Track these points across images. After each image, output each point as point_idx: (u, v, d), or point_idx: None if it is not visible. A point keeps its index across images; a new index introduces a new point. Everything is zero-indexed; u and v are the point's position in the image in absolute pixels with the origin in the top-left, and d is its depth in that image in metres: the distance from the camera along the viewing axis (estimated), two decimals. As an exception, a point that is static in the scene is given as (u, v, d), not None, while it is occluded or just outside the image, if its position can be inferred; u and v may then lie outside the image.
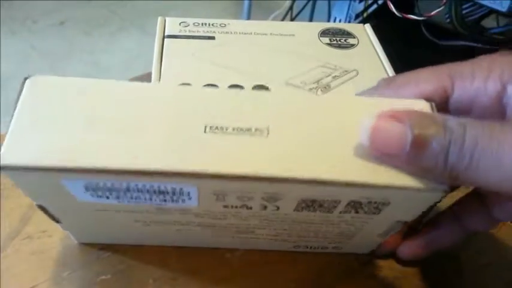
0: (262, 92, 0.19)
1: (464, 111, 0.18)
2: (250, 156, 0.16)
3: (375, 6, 0.58)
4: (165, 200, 0.17)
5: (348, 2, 0.54)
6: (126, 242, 0.24)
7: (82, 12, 1.60)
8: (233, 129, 0.16)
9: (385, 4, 0.46)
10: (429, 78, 0.18)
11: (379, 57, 0.28)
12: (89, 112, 0.16)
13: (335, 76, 0.25)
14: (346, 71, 0.26)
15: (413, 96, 0.18)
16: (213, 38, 0.27)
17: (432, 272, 0.25)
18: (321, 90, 0.24)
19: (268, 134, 0.16)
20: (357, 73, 0.26)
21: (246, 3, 1.18)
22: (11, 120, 0.16)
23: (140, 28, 1.53)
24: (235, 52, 0.26)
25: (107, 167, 0.15)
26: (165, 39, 0.27)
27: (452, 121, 0.15)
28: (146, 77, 0.25)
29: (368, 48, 0.28)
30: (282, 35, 0.28)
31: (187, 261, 0.24)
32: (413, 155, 0.15)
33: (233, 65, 0.25)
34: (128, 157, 0.15)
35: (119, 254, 0.24)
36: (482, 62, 0.17)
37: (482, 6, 0.45)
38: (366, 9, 0.58)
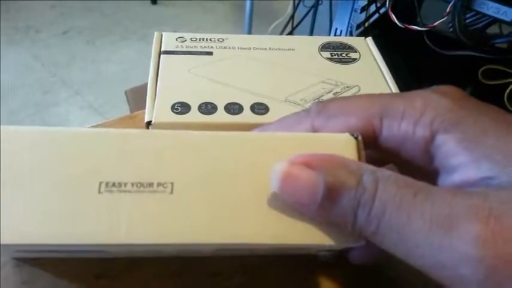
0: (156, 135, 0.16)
1: (393, 153, 0.16)
2: (155, 218, 0.14)
3: (376, 15, 0.57)
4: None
5: (349, 12, 0.53)
6: None
7: (85, 22, 1.60)
8: (132, 184, 0.14)
9: (387, 14, 0.46)
10: (360, 113, 0.16)
11: (381, 71, 0.27)
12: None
13: (336, 92, 0.25)
14: (347, 86, 0.25)
15: (342, 130, 0.16)
16: (210, 53, 0.27)
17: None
18: (322, 107, 0.24)
19: (172, 189, 0.14)
20: (359, 89, 0.25)
21: (247, 13, 1.18)
22: None
23: (142, 38, 1.53)
24: (233, 68, 0.26)
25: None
26: (162, 55, 0.26)
27: (367, 176, 0.13)
28: (145, 87, 0.24)
29: (370, 62, 0.28)
30: (281, 49, 0.28)
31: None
32: (325, 207, 0.14)
33: (231, 82, 0.25)
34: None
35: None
36: (416, 101, 0.16)
37: (485, 15, 0.44)
38: (367, 19, 0.58)
